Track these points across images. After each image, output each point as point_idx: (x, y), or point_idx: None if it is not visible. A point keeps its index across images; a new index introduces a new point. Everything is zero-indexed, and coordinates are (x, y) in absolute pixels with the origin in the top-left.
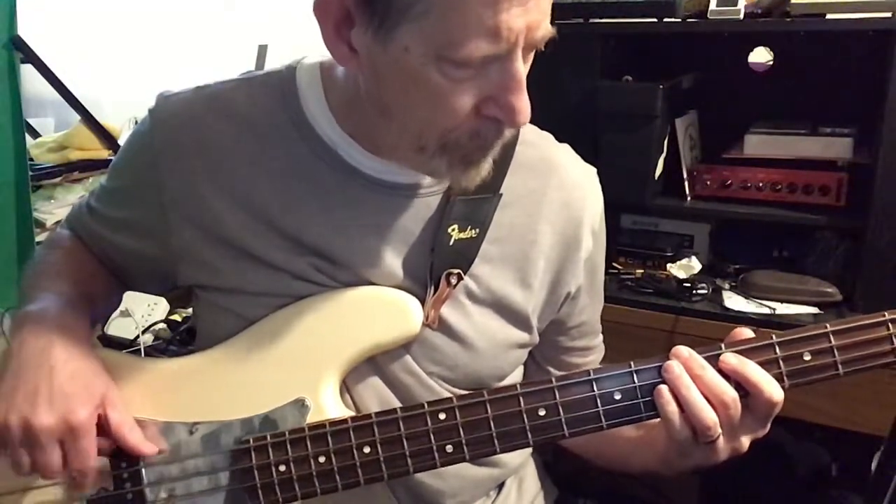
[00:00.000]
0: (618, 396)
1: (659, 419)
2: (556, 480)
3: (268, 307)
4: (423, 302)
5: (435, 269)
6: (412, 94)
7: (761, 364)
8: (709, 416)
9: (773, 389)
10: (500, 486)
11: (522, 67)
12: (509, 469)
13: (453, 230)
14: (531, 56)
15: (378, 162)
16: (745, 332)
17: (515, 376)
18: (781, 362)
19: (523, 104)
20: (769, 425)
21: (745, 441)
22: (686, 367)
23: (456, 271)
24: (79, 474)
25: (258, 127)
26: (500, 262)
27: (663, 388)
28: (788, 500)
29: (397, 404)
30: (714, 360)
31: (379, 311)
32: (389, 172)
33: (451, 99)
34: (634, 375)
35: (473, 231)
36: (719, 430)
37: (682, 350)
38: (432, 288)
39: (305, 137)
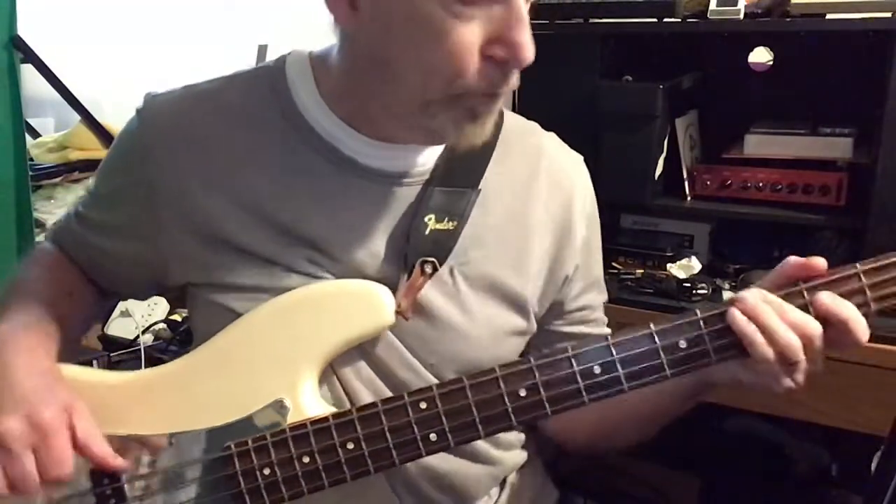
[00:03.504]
0: (597, 370)
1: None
2: (556, 480)
3: (262, 302)
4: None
5: (409, 257)
6: (417, 39)
7: (845, 295)
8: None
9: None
10: (501, 486)
11: (524, 4)
12: (509, 467)
13: (430, 220)
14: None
15: (372, 146)
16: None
17: None
18: (868, 291)
19: (527, 40)
20: None
21: (820, 363)
22: (763, 302)
23: (431, 259)
24: (56, 482)
25: (248, 121)
26: (496, 248)
27: (735, 311)
28: (788, 500)
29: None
30: (795, 298)
31: (348, 305)
32: (384, 158)
33: (457, 37)
34: (612, 349)
35: (451, 223)
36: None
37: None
38: (405, 276)
39: (296, 128)
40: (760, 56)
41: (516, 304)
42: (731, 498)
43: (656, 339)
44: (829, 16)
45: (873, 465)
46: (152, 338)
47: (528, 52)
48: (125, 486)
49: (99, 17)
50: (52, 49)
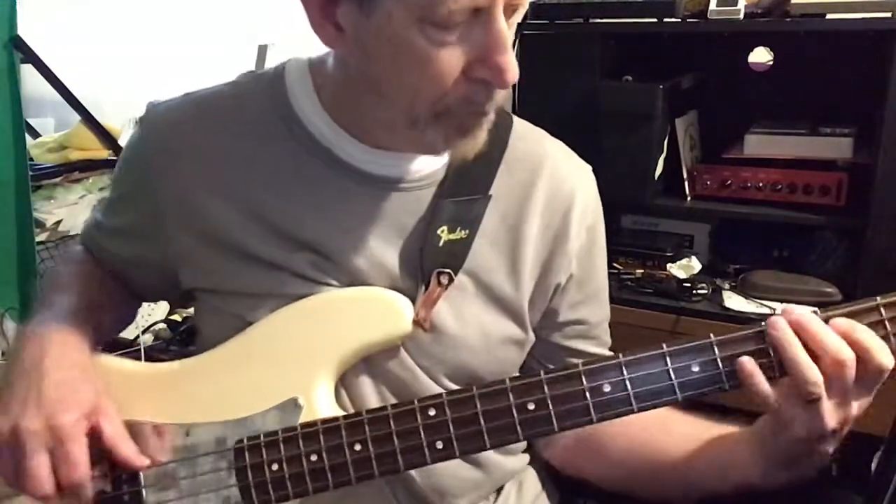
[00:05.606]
0: (607, 389)
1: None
2: (557, 483)
3: (268, 307)
4: (414, 300)
5: (425, 269)
6: (400, 63)
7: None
8: (813, 371)
9: (883, 356)
10: (501, 488)
11: (505, 27)
12: (509, 472)
13: (442, 231)
14: (514, 20)
15: (371, 154)
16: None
17: None
18: (888, 324)
19: (510, 63)
20: (873, 395)
21: (856, 407)
22: (798, 325)
23: (446, 271)
24: (70, 487)
25: (249, 128)
26: (491, 255)
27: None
28: (788, 500)
29: (394, 402)
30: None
31: (370, 311)
32: (383, 164)
33: (438, 63)
34: (623, 368)
35: (463, 232)
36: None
37: (790, 313)
38: (423, 287)
39: (296, 135)
40: (760, 56)
41: (510, 311)
42: (731, 498)
43: (668, 360)
44: (829, 16)
45: (873, 465)
46: (152, 338)
47: (511, 74)
48: (140, 472)
49: (99, 17)
50: (52, 49)
